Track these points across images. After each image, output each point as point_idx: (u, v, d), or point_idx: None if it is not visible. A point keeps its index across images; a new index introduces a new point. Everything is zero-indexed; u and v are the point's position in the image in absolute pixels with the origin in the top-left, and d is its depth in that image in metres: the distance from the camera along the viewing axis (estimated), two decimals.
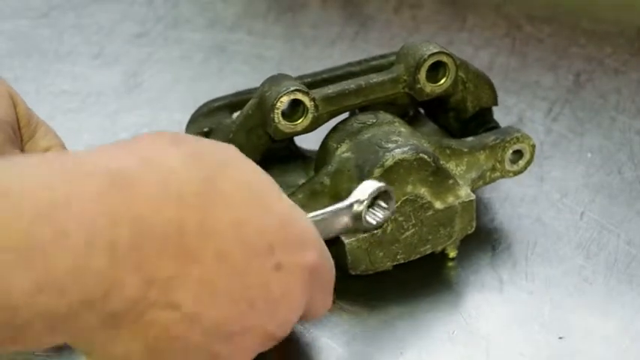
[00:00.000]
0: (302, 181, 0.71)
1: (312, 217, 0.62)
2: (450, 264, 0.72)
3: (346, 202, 0.63)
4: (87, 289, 0.49)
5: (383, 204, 0.64)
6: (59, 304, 0.48)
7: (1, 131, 0.65)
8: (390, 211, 0.64)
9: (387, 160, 0.67)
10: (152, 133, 0.55)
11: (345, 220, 0.63)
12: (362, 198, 0.63)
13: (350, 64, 0.77)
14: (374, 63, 0.76)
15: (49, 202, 0.49)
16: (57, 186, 0.49)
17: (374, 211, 0.64)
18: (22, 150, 0.68)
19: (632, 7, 1.01)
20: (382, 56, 0.77)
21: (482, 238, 0.74)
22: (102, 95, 0.92)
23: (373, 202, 0.64)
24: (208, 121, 0.76)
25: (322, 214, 0.63)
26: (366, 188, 0.64)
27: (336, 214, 0.63)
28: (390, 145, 0.68)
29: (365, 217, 0.63)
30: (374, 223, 0.64)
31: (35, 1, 1.05)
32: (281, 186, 0.72)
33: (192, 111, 0.78)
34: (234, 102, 0.76)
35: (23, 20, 1.03)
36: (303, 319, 0.59)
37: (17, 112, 0.68)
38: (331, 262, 0.59)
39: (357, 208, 0.63)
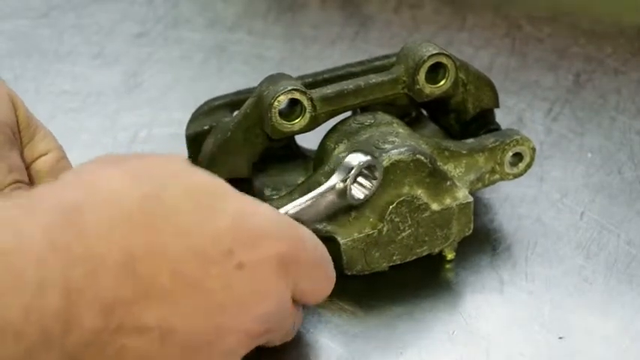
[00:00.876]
0: (301, 180, 0.71)
1: (296, 204, 0.62)
2: (450, 265, 0.72)
3: (329, 184, 0.64)
4: (44, 329, 0.48)
5: (369, 174, 0.64)
6: (17, 349, 0.47)
7: (1, 133, 0.65)
8: (377, 181, 0.64)
9: (383, 161, 0.67)
10: (96, 158, 0.55)
11: (330, 198, 0.64)
12: (344, 176, 0.64)
13: (351, 65, 0.77)
14: (376, 63, 0.76)
15: (1, 244, 0.48)
16: (8, 224, 0.49)
17: (361, 183, 0.65)
18: (21, 152, 0.68)
19: (632, 7, 1.01)
20: (385, 56, 0.77)
21: (482, 239, 0.74)
22: (102, 95, 0.92)
23: (358, 174, 0.64)
24: (209, 119, 0.76)
25: (307, 199, 0.63)
26: (349, 164, 0.64)
27: (322, 195, 0.64)
28: (387, 146, 0.68)
29: (351, 193, 0.64)
30: (361, 197, 0.64)
31: (35, 1, 1.05)
32: (280, 185, 0.73)
33: (192, 111, 0.78)
34: (235, 101, 0.76)
35: (23, 20, 1.03)
36: (303, 303, 0.60)
37: (17, 114, 0.68)
38: (314, 245, 0.59)
39: (340, 185, 0.64)
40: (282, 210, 0.63)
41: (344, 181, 0.64)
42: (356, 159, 0.64)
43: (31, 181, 0.67)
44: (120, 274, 0.50)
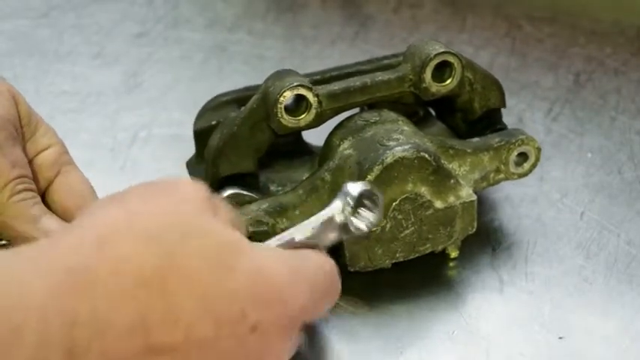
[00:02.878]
0: (307, 176, 0.71)
1: (292, 236, 0.59)
2: (451, 264, 0.72)
3: (326, 213, 0.60)
4: None
5: (369, 204, 0.61)
6: None
7: (3, 129, 0.66)
8: (378, 210, 0.60)
9: (387, 158, 0.67)
10: (104, 212, 0.53)
11: (332, 233, 0.60)
12: (341, 207, 0.60)
13: (361, 63, 0.76)
14: (385, 62, 0.76)
15: (4, 299, 0.47)
16: (14, 280, 0.48)
17: (363, 212, 0.61)
18: (24, 148, 0.68)
19: (632, 7, 1.01)
20: (394, 55, 0.76)
21: (483, 239, 0.74)
22: (102, 95, 0.92)
23: (359, 204, 0.61)
24: (216, 115, 0.76)
25: (300, 230, 0.60)
26: (346, 194, 0.60)
27: (322, 228, 0.60)
28: (392, 143, 0.68)
29: (353, 223, 0.60)
30: (364, 227, 0.60)
31: (35, 1, 1.05)
32: (286, 181, 0.73)
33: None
34: (243, 96, 0.76)
35: (23, 20, 1.03)
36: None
37: (19, 110, 0.68)
38: (325, 281, 0.57)
39: (339, 218, 0.60)
40: (284, 241, 0.60)
41: (342, 211, 0.60)
42: (356, 188, 0.60)
43: (34, 175, 0.68)
44: (131, 340, 0.49)
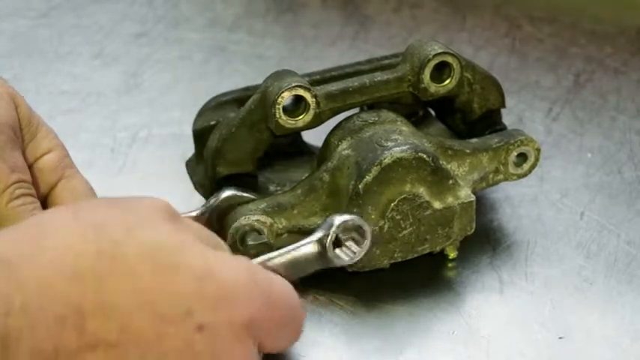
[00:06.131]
0: (306, 176, 0.71)
1: (269, 257, 0.59)
2: (451, 264, 0.72)
3: (306, 241, 0.60)
4: None
5: (357, 236, 0.61)
6: None
7: (1, 133, 0.65)
8: (366, 243, 0.60)
9: (385, 159, 0.67)
10: (57, 207, 0.53)
11: (310, 261, 0.60)
12: (323, 235, 0.60)
13: (360, 63, 0.76)
14: (385, 62, 0.76)
15: None
16: None
17: (348, 245, 0.61)
18: (24, 151, 0.67)
19: (632, 7, 1.01)
20: (394, 55, 0.76)
21: (483, 239, 0.74)
22: (102, 95, 0.92)
23: (344, 236, 0.60)
24: (216, 114, 0.76)
25: (285, 252, 0.60)
26: (329, 224, 0.60)
27: (300, 251, 0.60)
28: (390, 144, 0.68)
29: (335, 254, 0.60)
30: (345, 258, 0.60)
31: (35, 1, 1.05)
32: (285, 181, 0.73)
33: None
34: (243, 96, 0.76)
35: (23, 20, 1.03)
36: (267, 352, 0.56)
37: (18, 113, 0.68)
38: (285, 301, 0.55)
39: (315, 247, 0.60)
40: (258, 260, 0.60)
41: (322, 240, 0.60)
42: (339, 219, 0.60)
43: (34, 180, 0.67)
44: (61, 326, 0.49)
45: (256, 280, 0.54)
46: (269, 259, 0.59)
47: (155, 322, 0.50)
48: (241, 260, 0.55)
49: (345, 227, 0.60)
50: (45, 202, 0.68)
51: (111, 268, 0.50)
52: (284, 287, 0.56)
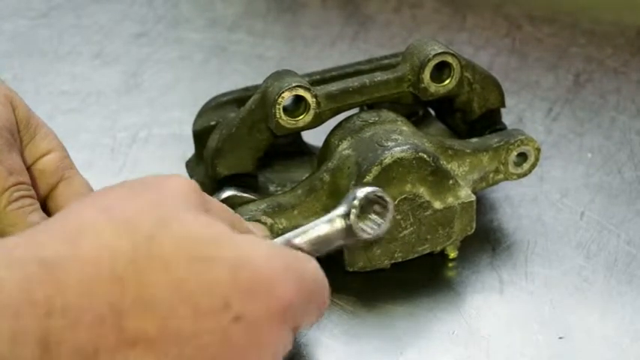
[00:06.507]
0: (306, 176, 0.71)
1: (295, 235, 0.59)
2: (451, 264, 0.72)
3: (329, 217, 0.59)
4: None
5: (379, 209, 0.60)
6: None
7: None
8: (388, 214, 0.60)
9: (385, 159, 0.67)
10: (82, 206, 0.53)
11: (335, 237, 0.59)
12: (347, 209, 0.59)
13: (360, 63, 0.76)
14: (385, 62, 0.76)
15: None
16: None
17: (371, 217, 0.60)
18: (22, 153, 0.67)
19: (632, 7, 1.01)
20: (394, 55, 0.76)
21: (482, 239, 0.74)
22: (102, 95, 0.92)
23: (367, 209, 0.60)
24: (216, 114, 0.76)
25: (304, 231, 0.59)
26: (353, 196, 0.59)
27: (325, 227, 0.59)
28: (390, 144, 0.68)
29: (358, 226, 0.59)
30: (369, 231, 0.59)
31: (35, 1, 1.06)
32: (285, 181, 0.73)
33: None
34: (243, 96, 0.76)
35: (23, 20, 1.03)
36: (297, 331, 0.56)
37: (16, 114, 0.67)
38: (314, 278, 0.55)
39: (341, 222, 0.59)
40: (283, 238, 0.59)
41: (347, 214, 0.59)
42: (362, 191, 0.59)
43: (33, 182, 0.67)
44: (101, 325, 0.49)
45: (289, 265, 0.54)
46: (294, 237, 0.59)
47: (193, 315, 0.50)
48: (272, 246, 0.56)
49: (367, 199, 0.60)
50: (45, 203, 0.67)
51: (147, 264, 0.50)
52: (314, 268, 0.56)
